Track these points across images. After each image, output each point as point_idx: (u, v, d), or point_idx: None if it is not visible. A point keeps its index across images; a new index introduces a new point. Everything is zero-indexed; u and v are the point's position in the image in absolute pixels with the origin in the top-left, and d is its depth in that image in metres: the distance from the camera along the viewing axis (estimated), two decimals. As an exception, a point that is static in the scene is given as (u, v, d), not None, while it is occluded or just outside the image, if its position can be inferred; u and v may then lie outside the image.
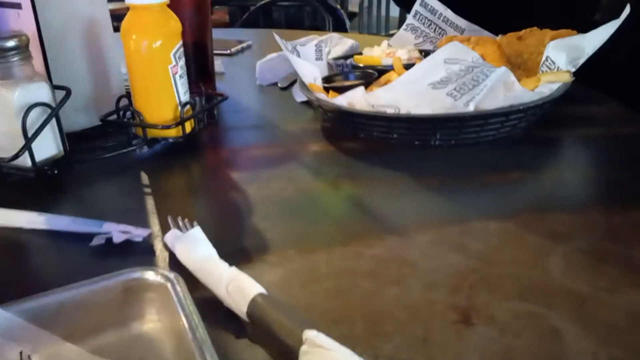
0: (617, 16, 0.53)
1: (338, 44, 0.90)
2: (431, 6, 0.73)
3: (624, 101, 0.62)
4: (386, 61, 0.68)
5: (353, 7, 2.99)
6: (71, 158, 0.49)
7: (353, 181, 0.47)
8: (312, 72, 0.59)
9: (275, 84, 0.77)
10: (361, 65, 0.70)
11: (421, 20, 0.73)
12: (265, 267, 0.35)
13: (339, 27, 1.34)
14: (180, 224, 0.37)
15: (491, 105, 0.49)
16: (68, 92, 0.48)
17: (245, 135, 0.60)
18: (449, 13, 0.73)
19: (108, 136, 0.55)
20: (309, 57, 0.66)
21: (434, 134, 0.51)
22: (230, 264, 0.32)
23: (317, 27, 1.38)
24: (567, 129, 0.56)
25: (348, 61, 0.72)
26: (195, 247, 0.34)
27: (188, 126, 0.54)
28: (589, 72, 0.62)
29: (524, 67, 0.62)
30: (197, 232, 0.35)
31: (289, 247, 0.37)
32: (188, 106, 0.53)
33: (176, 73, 0.52)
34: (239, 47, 0.97)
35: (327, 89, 0.61)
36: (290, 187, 0.46)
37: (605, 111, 0.59)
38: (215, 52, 0.96)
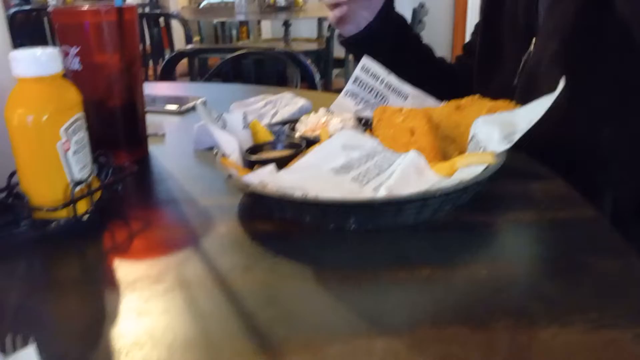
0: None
1: (289, 104, 0.87)
2: (373, 71, 0.70)
3: (570, 178, 0.57)
4: (332, 125, 0.65)
5: (339, 52, 2.97)
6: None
7: (246, 275, 0.42)
8: (230, 144, 0.55)
9: (212, 148, 0.73)
10: (297, 133, 0.66)
11: (362, 86, 0.70)
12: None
13: (309, 82, 1.32)
14: (8, 343, 0.32)
15: (405, 190, 0.44)
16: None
17: (152, 214, 0.55)
18: (392, 78, 0.70)
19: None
20: (235, 126, 0.62)
21: (348, 218, 0.47)
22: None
23: (287, 81, 1.37)
24: (498, 211, 0.51)
25: (285, 127, 0.68)
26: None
27: (83, 205, 0.49)
28: (530, 145, 0.59)
29: (459, 140, 0.57)
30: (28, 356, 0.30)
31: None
32: (83, 185, 0.49)
33: (67, 150, 0.48)
34: (190, 104, 0.94)
35: (251, 162, 0.57)
36: (179, 283, 0.41)
37: (545, 190, 0.55)
38: (164, 109, 0.93)
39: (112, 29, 0.63)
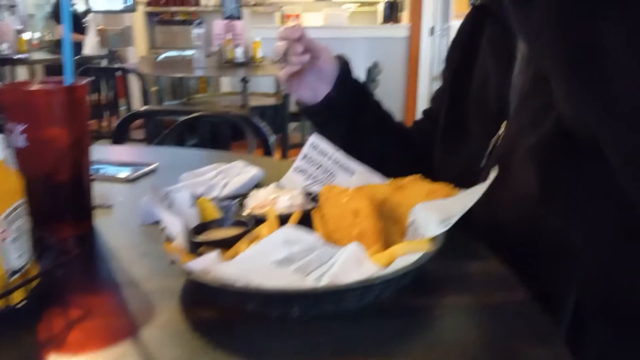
0: None
1: (240, 173, 0.88)
2: (321, 148, 0.72)
3: (508, 258, 0.59)
4: (281, 202, 0.66)
5: (296, 107, 3.00)
6: None
7: (186, 371, 0.42)
8: (175, 227, 0.56)
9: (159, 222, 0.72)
10: (246, 209, 0.67)
11: (310, 162, 0.72)
12: None
13: (264, 145, 1.34)
14: None
15: (346, 279, 0.46)
16: None
17: (93, 300, 0.54)
18: (339, 155, 0.72)
19: None
20: (182, 205, 0.63)
21: (291, 307, 0.47)
22: None
23: (243, 144, 1.38)
24: (438, 294, 0.53)
25: (234, 203, 0.69)
26: None
27: (19, 294, 0.48)
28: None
29: (401, 221, 0.60)
30: None
31: None
32: (19, 273, 0.48)
33: (5, 239, 0.47)
34: (139, 172, 0.94)
35: (197, 244, 0.57)
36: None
37: (482, 271, 0.57)
38: (111, 178, 0.92)
39: (62, 107, 0.63)
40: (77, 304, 0.52)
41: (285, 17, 5.41)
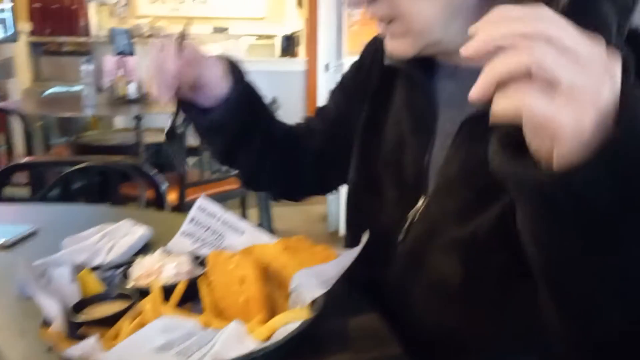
0: None
1: (127, 233, 0.86)
2: (209, 210, 0.74)
3: (387, 311, 0.64)
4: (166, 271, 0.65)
5: (193, 141, 2.88)
6: None
7: None
8: (52, 309, 0.54)
9: (39, 295, 0.69)
10: (131, 279, 0.66)
11: (198, 225, 0.73)
12: None
13: (156, 193, 1.32)
14: None
15: (229, 355, 0.47)
16: None
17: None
18: (228, 216, 0.74)
19: None
20: (61, 281, 0.61)
21: (175, 386, 0.48)
22: None
23: (135, 185, 1.34)
24: (322, 354, 0.56)
25: (118, 272, 0.68)
26: None
27: None
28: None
29: (285, 284, 0.62)
30: None
31: None
32: None
33: None
34: (17, 236, 0.88)
35: (77, 324, 0.55)
36: None
37: (362, 328, 0.61)
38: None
39: None
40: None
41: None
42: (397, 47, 0.61)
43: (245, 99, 0.77)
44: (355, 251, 0.59)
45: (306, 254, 0.64)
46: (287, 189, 0.91)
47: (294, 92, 4.56)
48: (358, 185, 0.76)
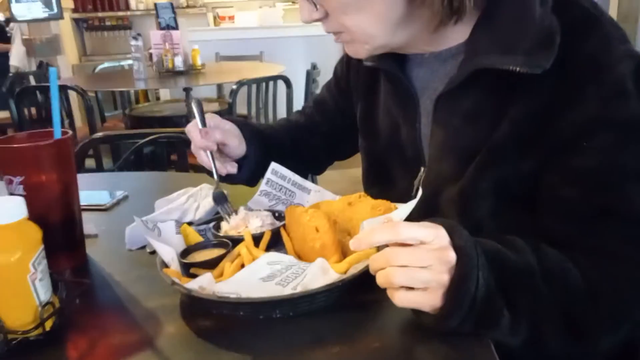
0: None
1: (208, 194, 0.99)
2: (281, 173, 0.85)
3: None
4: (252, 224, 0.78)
5: (242, 109, 3.04)
6: None
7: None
8: (168, 253, 0.67)
9: (144, 247, 0.83)
10: (222, 231, 0.78)
11: (273, 186, 0.85)
12: None
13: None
14: None
15: (315, 285, 0.59)
16: None
17: (106, 321, 0.65)
18: (297, 178, 0.86)
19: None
20: (169, 233, 0.74)
21: (274, 310, 0.60)
22: None
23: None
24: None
25: (210, 225, 0.80)
26: None
27: (49, 322, 0.58)
28: None
29: (353, 232, 0.74)
30: None
31: None
32: (48, 305, 0.58)
33: (35, 279, 0.57)
34: (114, 200, 1.03)
35: (188, 265, 0.69)
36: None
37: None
38: (89, 207, 1.01)
39: (51, 159, 0.73)
40: (95, 325, 0.63)
41: (219, 18, 5.44)
42: (352, 51, 0.75)
43: (260, 152, 0.92)
44: (412, 203, 0.69)
45: (367, 207, 0.75)
46: (307, 171, 1.05)
47: (333, 57, 4.59)
48: (369, 171, 0.91)
